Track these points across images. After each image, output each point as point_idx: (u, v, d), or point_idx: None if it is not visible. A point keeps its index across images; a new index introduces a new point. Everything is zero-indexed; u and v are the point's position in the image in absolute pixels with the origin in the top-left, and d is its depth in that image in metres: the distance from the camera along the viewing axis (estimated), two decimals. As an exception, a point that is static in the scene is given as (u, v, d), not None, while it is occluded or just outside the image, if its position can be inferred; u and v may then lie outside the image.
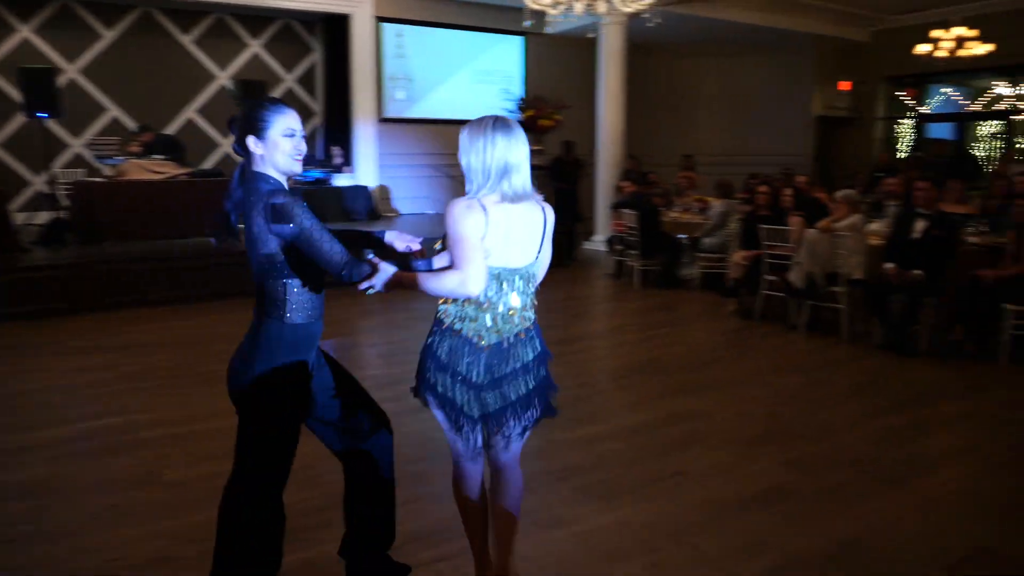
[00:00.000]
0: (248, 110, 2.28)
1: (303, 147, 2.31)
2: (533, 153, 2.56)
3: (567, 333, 6.48)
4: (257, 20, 11.18)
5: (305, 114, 11.64)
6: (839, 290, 6.15)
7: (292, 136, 2.27)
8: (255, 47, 11.33)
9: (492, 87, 12.01)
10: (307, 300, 2.30)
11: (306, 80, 11.87)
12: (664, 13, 8.70)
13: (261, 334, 2.29)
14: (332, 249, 2.20)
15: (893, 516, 3.25)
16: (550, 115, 10.86)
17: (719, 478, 3.59)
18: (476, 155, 2.22)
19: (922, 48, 10.33)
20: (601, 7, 7.95)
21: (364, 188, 10.92)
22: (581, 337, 6.57)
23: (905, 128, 13.97)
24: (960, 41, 9.98)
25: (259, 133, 2.24)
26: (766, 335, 6.44)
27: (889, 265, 5.79)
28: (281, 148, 2.24)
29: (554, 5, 7.94)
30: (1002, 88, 12.53)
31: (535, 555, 2.88)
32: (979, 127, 13.37)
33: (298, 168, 2.30)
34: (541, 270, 2.42)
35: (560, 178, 10.74)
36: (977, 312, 5.67)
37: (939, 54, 10.25)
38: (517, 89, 12.26)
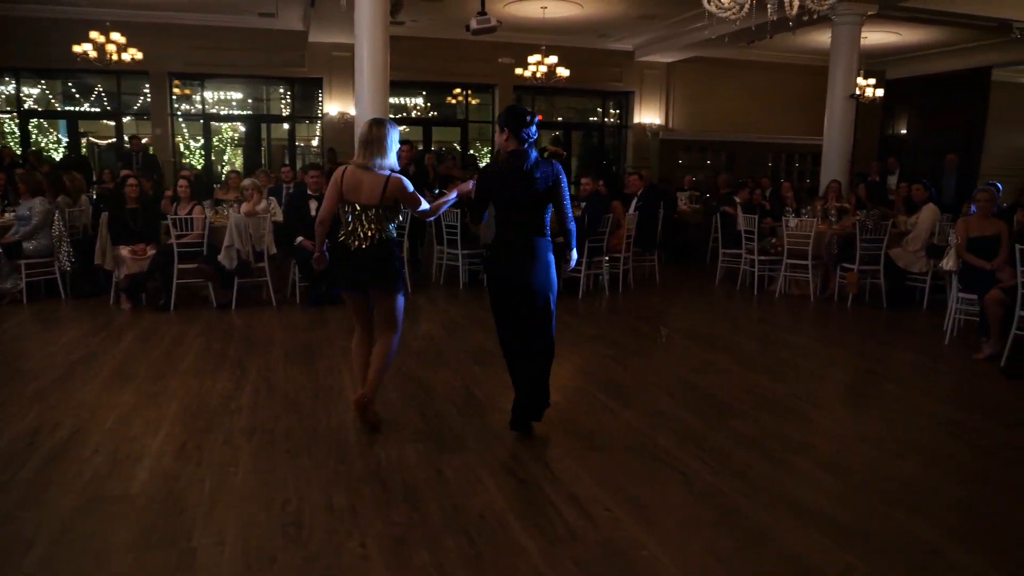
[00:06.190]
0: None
1: None
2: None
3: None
4: None
5: None
6: (264, 265, 7.07)
7: None
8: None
9: None
10: None
11: None
12: None
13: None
14: None
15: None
16: None
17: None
18: None
19: (82, 47, 10.70)
20: None
21: None
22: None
23: (11, 123, 13.45)
24: (121, 47, 10.89)
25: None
26: (205, 319, 6.68)
27: (299, 238, 7.15)
28: None
29: None
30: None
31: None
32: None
33: None
34: None
35: None
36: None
37: (93, 54, 10.85)
38: None
